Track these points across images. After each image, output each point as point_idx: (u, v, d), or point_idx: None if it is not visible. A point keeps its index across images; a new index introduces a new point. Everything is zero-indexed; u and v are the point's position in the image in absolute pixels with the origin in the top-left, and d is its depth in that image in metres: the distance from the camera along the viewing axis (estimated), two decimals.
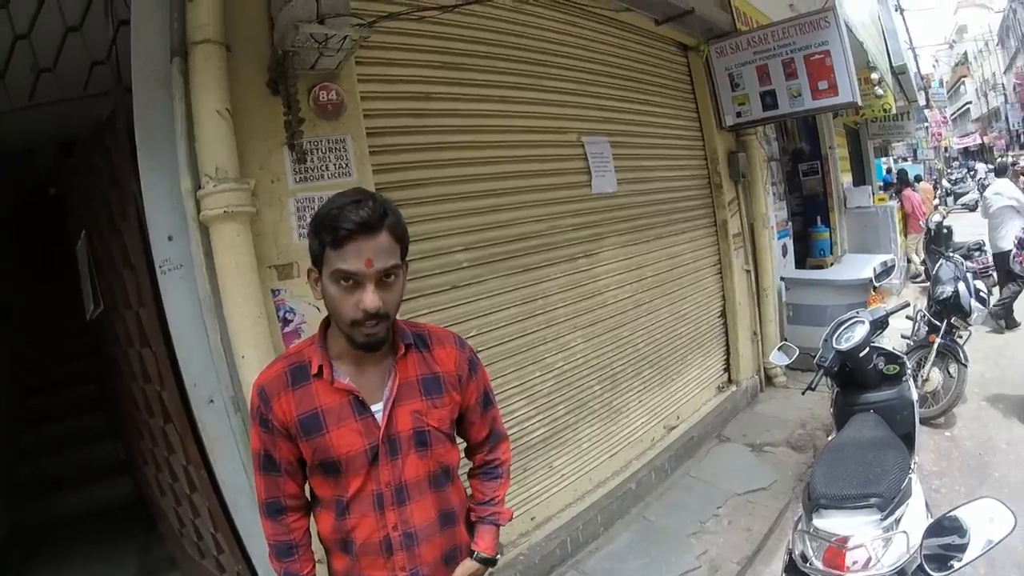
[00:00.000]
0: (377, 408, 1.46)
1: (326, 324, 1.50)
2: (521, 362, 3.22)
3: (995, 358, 6.44)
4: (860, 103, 5.69)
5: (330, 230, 1.27)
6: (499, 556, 1.74)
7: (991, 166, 13.05)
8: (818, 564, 2.39)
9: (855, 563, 2.29)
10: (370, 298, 1.29)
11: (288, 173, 2.28)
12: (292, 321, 2.28)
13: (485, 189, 3.13)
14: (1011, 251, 6.74)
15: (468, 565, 1.69)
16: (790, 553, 2.69)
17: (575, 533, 3.53)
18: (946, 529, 1.32)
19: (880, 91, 9.45)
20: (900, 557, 2.35)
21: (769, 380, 5.99)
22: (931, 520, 2.68)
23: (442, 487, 1.58)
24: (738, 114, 5.22)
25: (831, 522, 2.40)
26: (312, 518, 1.62)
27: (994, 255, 7.12)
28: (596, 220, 3.83)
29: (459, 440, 1.71)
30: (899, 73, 11.51)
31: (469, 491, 1.76)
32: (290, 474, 1.53)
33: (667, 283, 4.50)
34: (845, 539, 2.33)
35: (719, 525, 3.87)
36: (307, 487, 1.58)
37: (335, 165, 2.41)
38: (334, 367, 1.45)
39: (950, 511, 1.33)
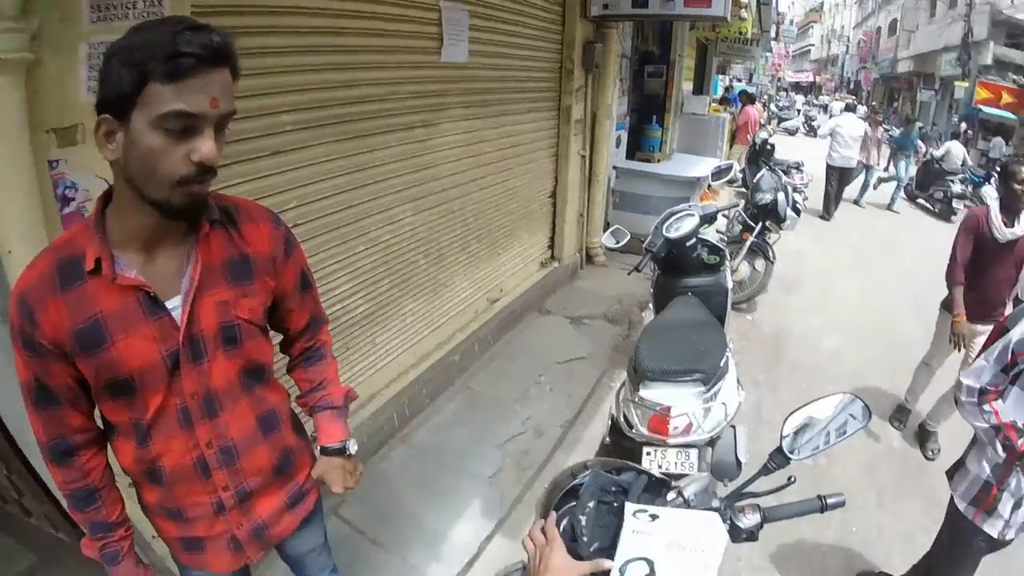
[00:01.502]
0: (174, 304, 1.18)
1: (105, 200, 1.15)
2: (345, 235, 2.97)
3: (796, 260, 7.34)
4: (728, 19, 5.78)
5: (163, 58, 0.94)
6: (350, 442, 1.56)
7: (844, 104, 15.53)
8: (643, 430, 2.58)
9: (676, 429, 2.52)
10: (208, 145, 1.01)
11: (84, 9, 1.67)
12: (74, 200, 1.75)
13: (322, 44, 2.67)
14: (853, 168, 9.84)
15: (322, 465, 1.54)
16: (613, 418, 2.88)
17: (401, 408, 3.51)
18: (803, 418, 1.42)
19: (744, 15, 9.81)
20: (718, 424, 2.59)
21: (590, 259, 6.27)
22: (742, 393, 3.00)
23: (257, 389, 1.37)
24: (605, 6, 5.09)
25: (657, 393, 2.56)
26: (109, 450, 1.34)
27: (832, 166, 9.65)
28: (441, 90, 3.53)
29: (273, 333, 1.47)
30: (763, 3, 12.02)
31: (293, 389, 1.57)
32: (72, 403, 1.22)
33: (503, 160, 4.38)
34: (668, 408, 2.51)
35: (541, 392, 4.07)
36: (97, 413, 1.29)
37: (145, 1, 1.83)
38: (116, 258, 1.12)
39: (809, 402, 1.43)
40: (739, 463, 2.63)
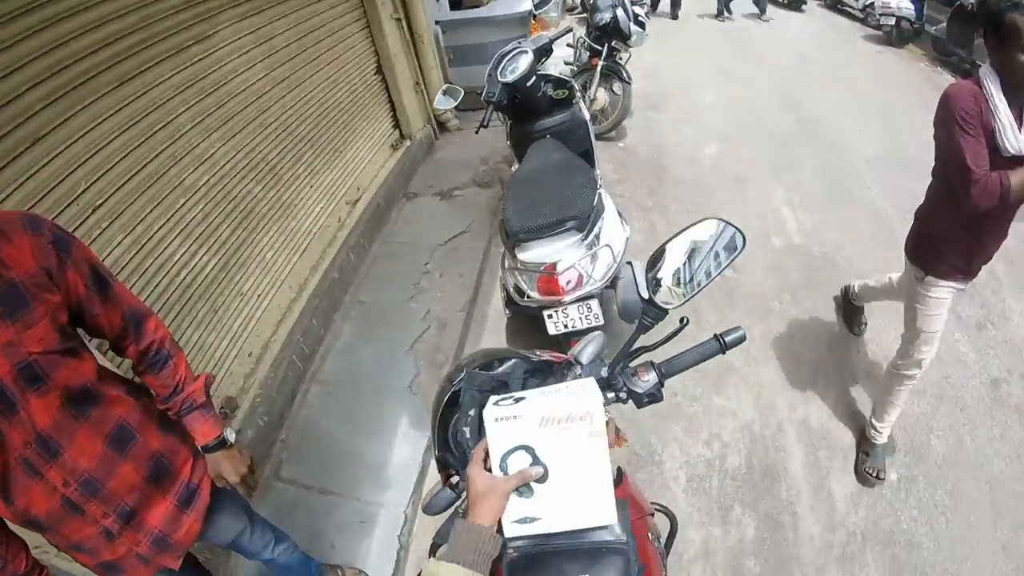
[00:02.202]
0: None
1: None
2: (158, 195, 2.53)
3: (654, 74, 7.22)
4: None
5: None
6: (227, 432, 1.51)
7: None
8: (534, 294, 2.49)
9: (569, 283, 2.42)
10: None
11: None
12: None
13: None
14: None
15: (211, 463, 1.51)
16: (506, 290, 2.79)
17: (298, 347, 3.29)
18: (669, 256, 1.24)
19: None
20: (609, 268, 2.50)
21: (442, 127, 5.92)
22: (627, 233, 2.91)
23: (92, 412, 1.25)
24: None
25: (535, 252, 2.45)
26: None
27: None
28: None
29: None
30: None
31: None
32: None
33: (305, 51, 3.81)
34: (553, 265, 2.41)
35: (432, 281, 3.94)
36: None
37: None
38: None
39: (670, 238, 1.24)
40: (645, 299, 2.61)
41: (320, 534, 2.56)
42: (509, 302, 2.77)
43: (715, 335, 1.18)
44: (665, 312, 1.18)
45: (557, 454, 0.97)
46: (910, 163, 4.78)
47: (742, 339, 1.18)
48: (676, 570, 2.43)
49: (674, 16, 10.68)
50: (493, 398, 1.04)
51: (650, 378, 1.19)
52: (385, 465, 2.82)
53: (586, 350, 1.23)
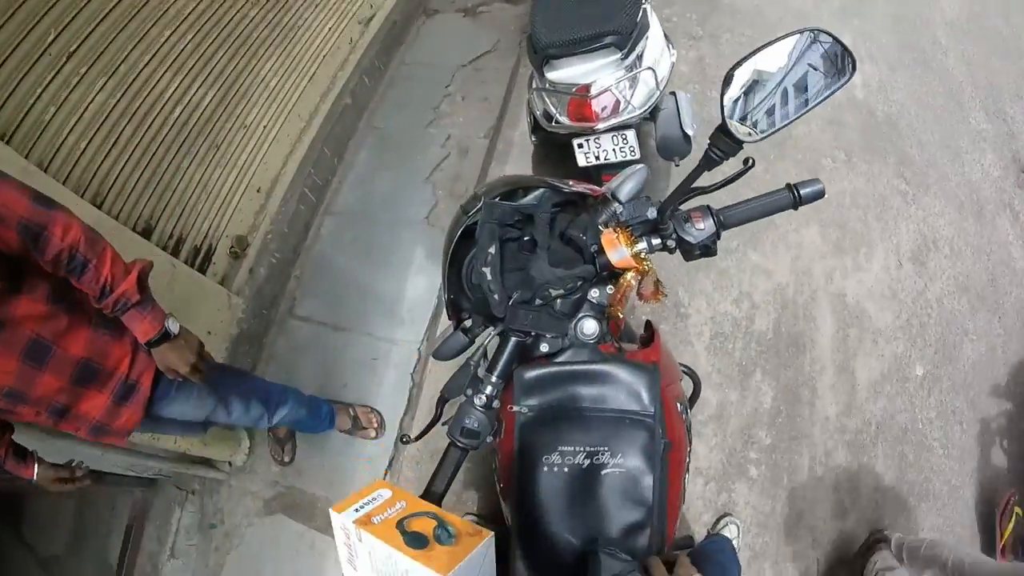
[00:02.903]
0: None
1: None
2: (138, 31, 2.31)
3: None
4: None
5: None
6: (169, 324, 1.46)
7: None
8: (564, 120, 2.27)
9: (604, 109, 2.19)
10: None
11: None
12: None
13: None
14: None
15: (157, 358, 1.50)
16: (532, 114, 2.55)
17: (310, 179, 3.24)
18: (756, 73, 0.95)
19: None
20: (650, 94, 2.24)
21: None
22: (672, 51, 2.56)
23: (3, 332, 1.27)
24: None
25: (567, 72, 2.21)
26: None
27: None
28: None
29: None
30: None
31: None
32: None
33: None
34: (587, 87, 2.16)
35: (453, 104, 3.72)
36: None
37: None
38: None
39: (755, 50, 0.94)
40: (687, 137, 2.30)
41: (333, 371, 2.67)
42: (536, 128, 2.54)
43: (788, 184, 1.02)
44: (740, 145, 0.91)
45: None
46: (991, 35, 4.14)
47: (821, 193, 1.02)
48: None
49: None
50: None
51: (706, 226, 1.03)
52: (400, 300, 2.85)
53: (625, 186, 1.06)
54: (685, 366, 1.39)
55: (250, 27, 2.94)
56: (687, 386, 1.35)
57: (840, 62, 0.95)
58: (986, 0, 4.78)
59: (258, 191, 3.01)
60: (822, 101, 0.95)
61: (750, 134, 0.93)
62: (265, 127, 3.06)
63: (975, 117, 3.71)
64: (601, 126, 2.22)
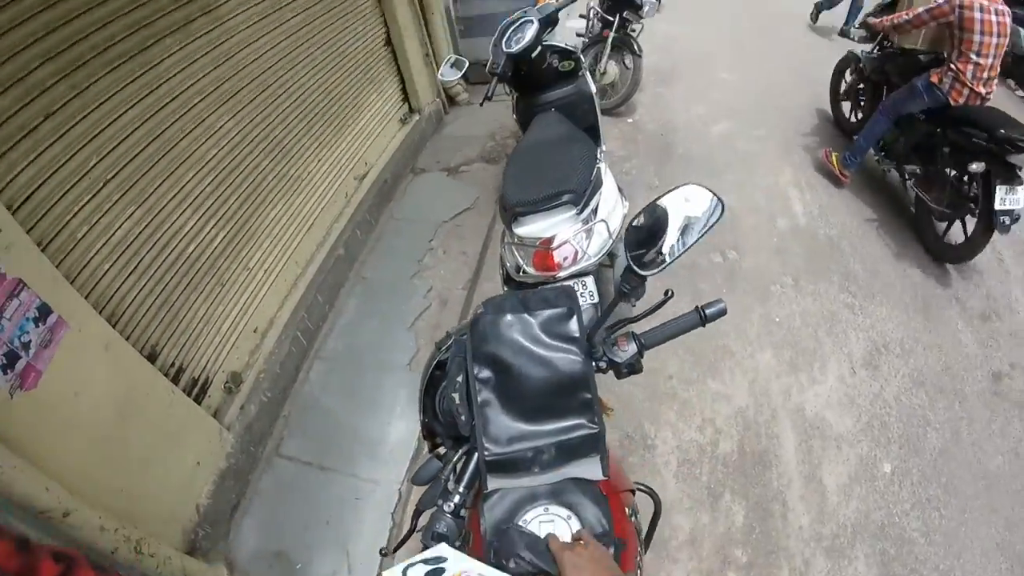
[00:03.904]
0: None
1: None
2: (167, 168, 2.54)
3: (667, 48, 7.00)
4: None
5: None
6: None
7: None
8: (531, 270, 2.43)
9: (565, 259, 2.36)
10: None
11: None
12: None
13: None
14: None
15: None
16: (504, 266, 2.78)
17: (303, 323, 3.31)
18: (648, 222, 1.25)
19: None
20: (604, 244, 2.44)
21: (452, 101, 5.82)
22: (627, 210, 2.85)
23: None
24: None
25: (531, 227, 2.40)
26: None
27: None
28: None
29: None
30: None
31: None
32: None
33: (316, 20, 3.75)
34: (549, 240, 2.35)
35: (435, 258, 3.94)
36: None
37: None
38: None
39: (648, 204, 1.26)
40: (642, 279, 2.59)
41: (316, 509, 2.63)
42: (508, 279, 2.73)
43: (696, 307, 1.22)
44: (644, 279, 1.20)
45: None
46: None
47: (723, 312, 1.22)
48: (663, 556, 2.46)
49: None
50: (401, 565, 0.88)
51: (630, 348, 1.22)
52: (382, 442, 2.87)
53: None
54: (644, 485, 1.47)
55: (262, 175, 3.18)
56: (648, 506, 1.44)
57: (715, 208, 1.23)
58: None
59: (255, 331, 3.08)
60: (701, 238, 1.22)
61: (646, 270, 1.19)
62: (266, 270, 3.20)
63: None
64: (562, 274, 2.39)
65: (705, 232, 1.22)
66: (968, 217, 3.61)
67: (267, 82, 3.27)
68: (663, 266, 1.20)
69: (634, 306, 2.66)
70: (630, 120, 5.58)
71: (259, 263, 3.15)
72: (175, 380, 2.50)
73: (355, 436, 2.90)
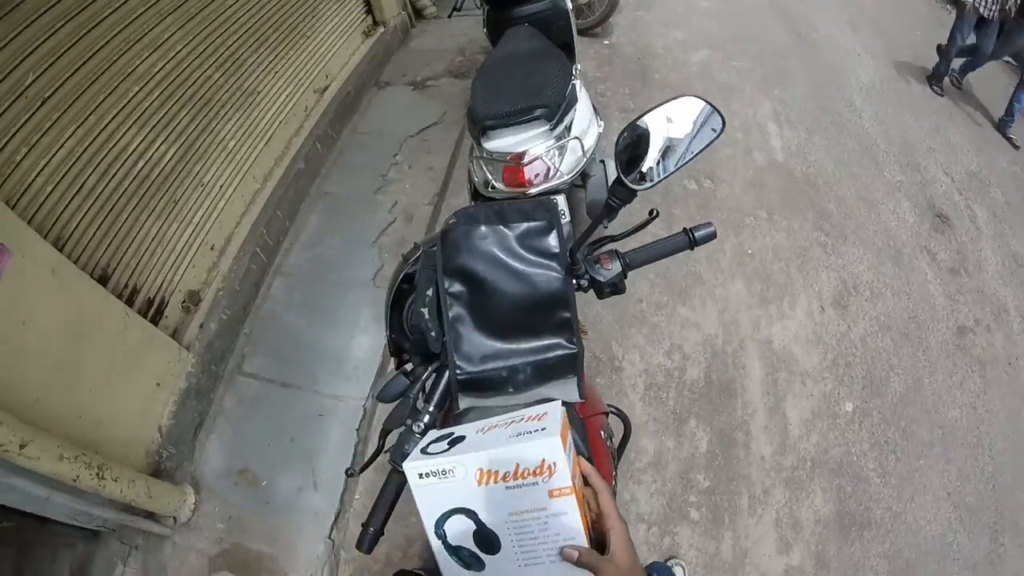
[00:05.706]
0: None
1: None
2: (109, 84, 2.45)
3: None
4: None
5: None
6: None
7: None
8: (500, 186, 2.39)
9: (536, 176, 2.32)
10: None
11: None
12: None
13: None
14: None
15: None
16: (472, 181, 2.71)
17: (262, 239, 3.30)
18: (641, 133, 1.16)
19: None
20: (578, 162, 2.40)
21: (419, 14, 5.54)
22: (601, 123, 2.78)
23: None
24: None
25: (501, 142, 2.34)
26: None
27: None
28: None
29: None
30: None
31: None
32: None
33: None
34: (520, 155, 2.30)
35: (401, 172, 3.89)
36: None
37: None
38: None
39: (643, 113, 1.16)
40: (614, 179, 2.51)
41: (280, 427, 2.67)
42: (475, 195, 2.68)
43: (684, 228, 1.19)
44: (634, 193, 1.12)
45: (507, 521, 0.77)
46: (903, 96, 4.68)
47: (712, 235, 1.20)
48: (627, 477, 2.55)
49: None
50: (422, 443, 0.88)
51: (614, 267, 1.19)
52: (346, 359, 2.90)
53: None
54: (614, 407, 1.47)
55: (213, 89, 3.07)
56: (617, 427, 1.44)
57: (715, 122, 1.16)
58: (900, 66, 5.39)
59: (212, 248, 3.06)
60: (699, 154, 1.16)
61: (639, 184, 1.12)
62: (222, 186, 3.15)
63: (889, 170, 4.17)
64: (533, 191, 2.35)
65: (705, 147, 1.16)
66: None
67: None
68: (657, 181, 1.14)
69: (606, 227, 2.62)
70: (607, 42, 5.38)
71: (214, 179, 3.10)
72: (129, 302, 2.51)
73: (318, 352, 2.92)
